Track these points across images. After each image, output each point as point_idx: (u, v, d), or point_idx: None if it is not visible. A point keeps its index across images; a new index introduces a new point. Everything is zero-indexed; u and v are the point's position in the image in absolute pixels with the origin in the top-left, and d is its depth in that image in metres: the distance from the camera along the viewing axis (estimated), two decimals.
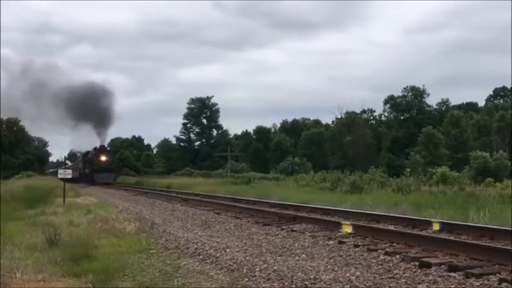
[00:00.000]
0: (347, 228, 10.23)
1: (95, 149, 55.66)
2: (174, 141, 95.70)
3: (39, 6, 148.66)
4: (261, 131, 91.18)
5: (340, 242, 8.98)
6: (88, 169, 54.26)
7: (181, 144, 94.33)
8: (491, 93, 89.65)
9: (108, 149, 59.51)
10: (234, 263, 7.66)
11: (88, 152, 58.66)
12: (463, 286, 5.84)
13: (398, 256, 7.49)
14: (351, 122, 79.85)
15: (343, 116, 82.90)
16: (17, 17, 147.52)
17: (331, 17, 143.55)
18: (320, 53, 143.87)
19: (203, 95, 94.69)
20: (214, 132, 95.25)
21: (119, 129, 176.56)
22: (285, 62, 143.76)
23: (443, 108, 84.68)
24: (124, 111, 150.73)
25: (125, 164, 75.49)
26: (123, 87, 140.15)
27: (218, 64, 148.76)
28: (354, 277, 6.42)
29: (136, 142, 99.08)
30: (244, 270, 7.14)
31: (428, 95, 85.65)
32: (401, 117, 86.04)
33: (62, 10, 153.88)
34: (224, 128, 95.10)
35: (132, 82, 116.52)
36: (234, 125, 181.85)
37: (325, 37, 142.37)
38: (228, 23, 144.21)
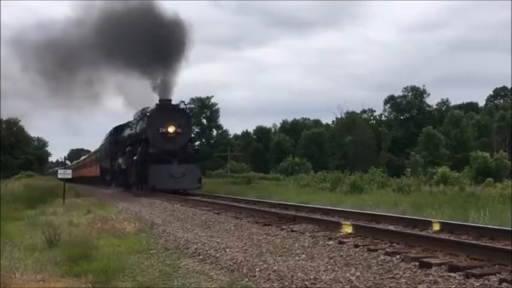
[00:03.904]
0: (347, 229, 10.21)
1: (145, 110, 27.13)
2: None
3: (35, 4, 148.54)
4: (261, 131, 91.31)
5: (340, 242, 8.96)
6: (129, 159, 27.89)
7: None
8: (491, 93, 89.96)
9: (182, 107, 27.66)
10: (234, 263, 7.64)
11: (125, 125, 32.11)
12: (463, 286, 5.83)
13: (398, 256, 7.47)
14: (351, 122, 80.00)
15: (343, 116, 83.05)
16: (13, 16, 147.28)
17: (329, 16, 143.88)
18: (319, 52, 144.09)
19: (202, 95, 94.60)
20: (214, 132, 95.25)
21: None
22: (283, 61, 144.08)
23: (444, 108, 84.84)
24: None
25: None
26: None
27: (216, 63, 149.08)
28: (354, 277, 6.41)
29: None
30: (244, 271, 7.13)
31: (429, 95, 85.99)
32: (402, 117, 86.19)
33: (58, 9, 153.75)
34: (224, 128, 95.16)
35: None
36: (234, 125, 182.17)
37: (324, 36, 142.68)
38: (225, 22, 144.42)
